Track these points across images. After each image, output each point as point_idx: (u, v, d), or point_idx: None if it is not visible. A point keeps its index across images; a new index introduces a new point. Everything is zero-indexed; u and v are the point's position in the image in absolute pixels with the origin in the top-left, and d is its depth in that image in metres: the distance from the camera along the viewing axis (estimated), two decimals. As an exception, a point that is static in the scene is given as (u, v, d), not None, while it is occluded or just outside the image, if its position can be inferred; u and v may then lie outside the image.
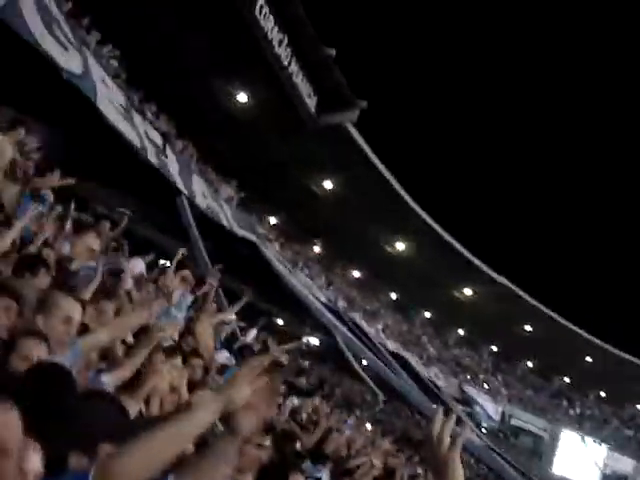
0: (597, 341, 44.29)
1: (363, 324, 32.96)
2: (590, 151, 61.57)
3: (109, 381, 3.79)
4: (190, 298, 7.84)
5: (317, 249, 38.31)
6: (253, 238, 25.51)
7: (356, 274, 40.71)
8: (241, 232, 24.48)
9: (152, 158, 18.50)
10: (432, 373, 37.31)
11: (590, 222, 62.73)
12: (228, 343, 9.92)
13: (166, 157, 19.83)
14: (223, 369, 7.62)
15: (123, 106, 17.54)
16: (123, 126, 17.06)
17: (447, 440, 1.85)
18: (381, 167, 29.37)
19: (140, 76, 20.35)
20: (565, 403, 50.12)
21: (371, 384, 27.78)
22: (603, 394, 52.62)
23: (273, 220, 34.91)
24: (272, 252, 27.57)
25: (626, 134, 60.91)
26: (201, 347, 6.43)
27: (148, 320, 3.89)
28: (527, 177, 63.89)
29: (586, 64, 59.96)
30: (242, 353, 9.08)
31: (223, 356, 8.46)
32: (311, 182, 31.22)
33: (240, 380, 1.93)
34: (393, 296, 43.35)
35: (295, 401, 11.10)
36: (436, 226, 34.16)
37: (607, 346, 44.70)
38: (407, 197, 31.75)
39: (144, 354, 3.92)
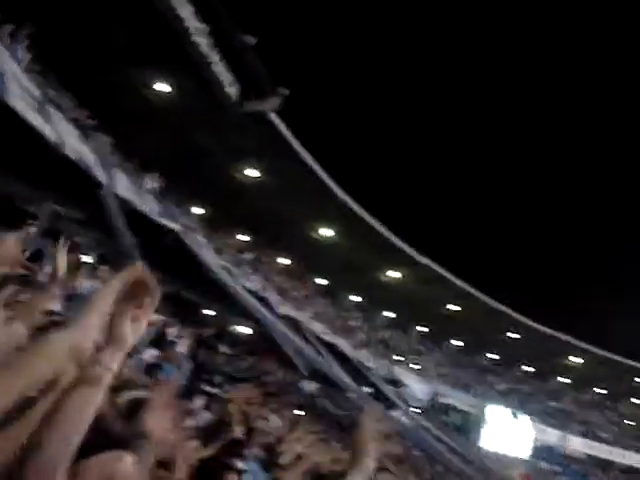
0: (520, 317, 45.73)
1: (292, 312, 33.15)
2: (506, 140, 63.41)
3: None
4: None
5: (244, 238, 38.27)
6: (177, 228, 25.35)
7: (284, 262, 40.88)
8: (165, 222, 24.31)
9: (70, 152, 18.18)
10: (362, 356, 37.82)
11: (511, 201, 64.57)
12: (156, 341, 9.80)
13: (85, 150, 19.53)
14: (150, 368, 7.66)
15: (37, 99, 17.16)
16: (36, 120, 16.69)
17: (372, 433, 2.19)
18: (304, 154, 29.48)
19: (56, 67, 20.01)
20: (491, 379, 51.59)
21: (303, 372, 27.97)
22: (527, 369, 54.47)
23: (199, 210, 34.69)
24: (197, 242, 27.45)
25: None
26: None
27: None
28: (445, 159, 65.16)
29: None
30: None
31: (149, 354, 8.51)
32: (235, 171, 31.12)
33: None
34: (321, 282, 43.76)
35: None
36: (360, 210, 34.52)
37: (529, 322, 46.22)
38: (331, 183, 31.97)
39: None
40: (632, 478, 51.10)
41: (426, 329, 50.21)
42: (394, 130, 62.65)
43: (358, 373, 33.43)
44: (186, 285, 25.63)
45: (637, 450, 52.44)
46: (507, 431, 45.75)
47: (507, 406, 47.24)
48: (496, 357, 53.19)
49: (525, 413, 47.88)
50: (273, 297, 32.59)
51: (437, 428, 37.42)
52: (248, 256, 36.43)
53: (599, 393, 56.96)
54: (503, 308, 44.70)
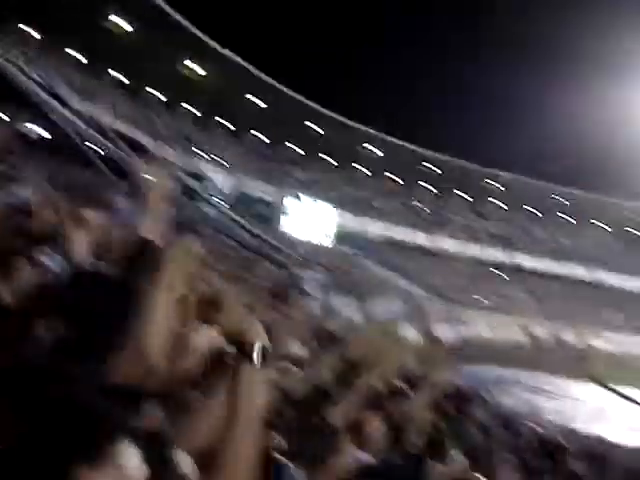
0: (320, 108, 47.54)
1: (90, 108, 32.41)
2: None
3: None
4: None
5: (32, 32, 35.99)
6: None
7: (75, 55, 39.13)
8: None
9: None
10: (165, 152, 38.15)
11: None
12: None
13: None
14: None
15: None
16: None
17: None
18: None
19: None
20: (294, 170, 53.86)
21: (105, 169, 27.89)
22: (328, 159, 57.31)
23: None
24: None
25: None
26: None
27: None
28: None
29: None
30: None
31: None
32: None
33: None
34: (119, 76, 42.62)
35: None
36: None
37: (329, 113, 48.21)
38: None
39: None
40: (422, 255, 57.04)
41: (229, 123, 50.99)
42: None
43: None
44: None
45: (427, 230, 58.23)
46: (310, 219, 48.41)
47: (309, 195, 49.69)
48: (298, 148, 55.34)
49: (325, 201, 50.75)
50: (66, 92, 31.54)
51: (243, 219, 39.20)
52: (38, 50, 34.51)
53: (394, 180, 61.53)
54: (304, 99, 46.07)
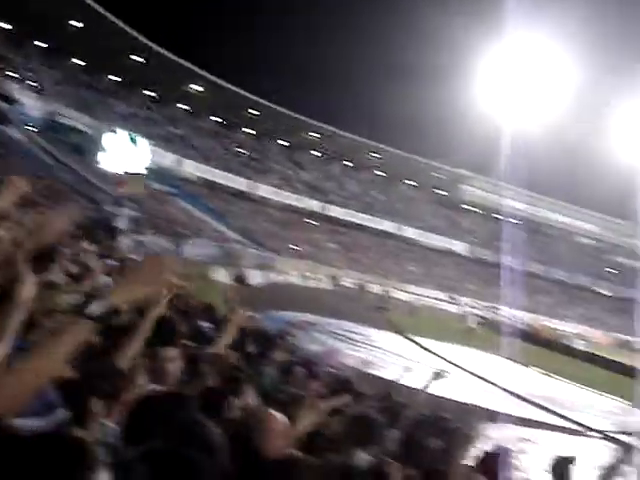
0: (146, 40, 46.01)
1: None
2: None
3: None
4: None
5: None
6: None
7: None
8: None
9: None
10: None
11: None
12: None
13: None
14: None
15: None
16: None
17: None
18: None
19: None
20: (112, 101, 52.05)
21: None
22: (149, 94, 55.89)
23: None
24: None
25: None
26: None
27: None
28: None
29: None
30: None
31: None
32: None
33: None
34: None
35: None
36: None
37: (154, 46, 46.80)
38: None
39: None
40: (238, 199, 57.36)
41: (45, 45, 48.04)
42: None
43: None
44: None
45: (244, 175, 58.60)
46: (125, 153, 47.07)
47: (126, 129, 48.20)
48: (118, 79, 53.44)
49: (143, 137, 49.49)
50: None
51: (55, 148, 37.53)
52: None
53: (215, 121, 61.19)
54: (128, 29, 44.41)
